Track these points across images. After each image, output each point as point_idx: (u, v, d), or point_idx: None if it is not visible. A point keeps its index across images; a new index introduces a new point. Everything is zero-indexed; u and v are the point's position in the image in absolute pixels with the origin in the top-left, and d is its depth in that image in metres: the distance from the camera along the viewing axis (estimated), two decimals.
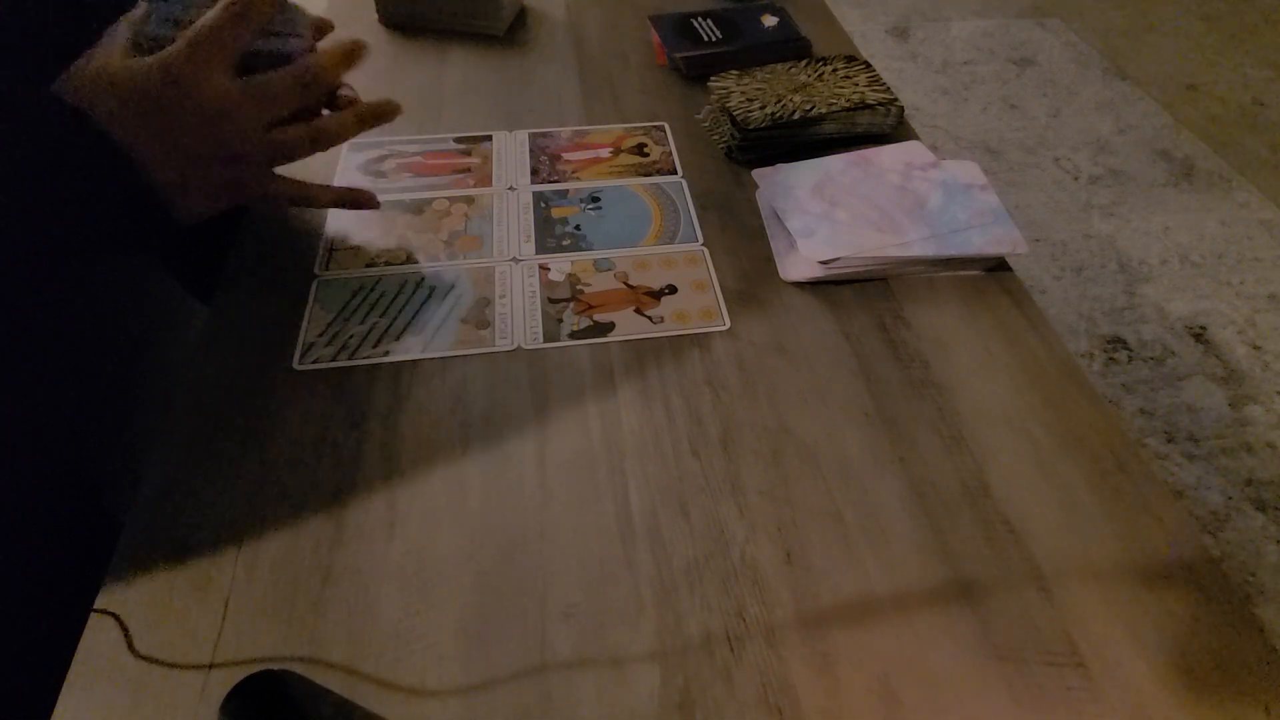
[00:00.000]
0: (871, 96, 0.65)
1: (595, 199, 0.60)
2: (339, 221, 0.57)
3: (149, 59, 0.41)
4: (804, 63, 0.68)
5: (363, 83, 0.52)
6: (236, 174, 0.46)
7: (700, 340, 0.50)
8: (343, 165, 0.62)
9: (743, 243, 0.57)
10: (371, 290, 0.52)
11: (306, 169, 0.50)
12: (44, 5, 0.46)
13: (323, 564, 0.39)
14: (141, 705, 0.34)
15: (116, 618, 0.36)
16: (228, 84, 0.42)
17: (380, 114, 0.50)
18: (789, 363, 0.49)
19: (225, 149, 0.44)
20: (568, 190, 0.60)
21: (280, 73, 0.44)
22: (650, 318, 0.51)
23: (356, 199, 0.53)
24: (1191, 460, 1.35)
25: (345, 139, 0.49)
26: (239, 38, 0.42)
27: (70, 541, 0.49)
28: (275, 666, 0.35)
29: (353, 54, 0.47)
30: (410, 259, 0.54)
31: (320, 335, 0.49)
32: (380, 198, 0.57)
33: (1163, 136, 2.04)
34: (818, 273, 0.53)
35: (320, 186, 0.51)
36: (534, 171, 0.62)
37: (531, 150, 0.64)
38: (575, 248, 0.56)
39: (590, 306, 0.52)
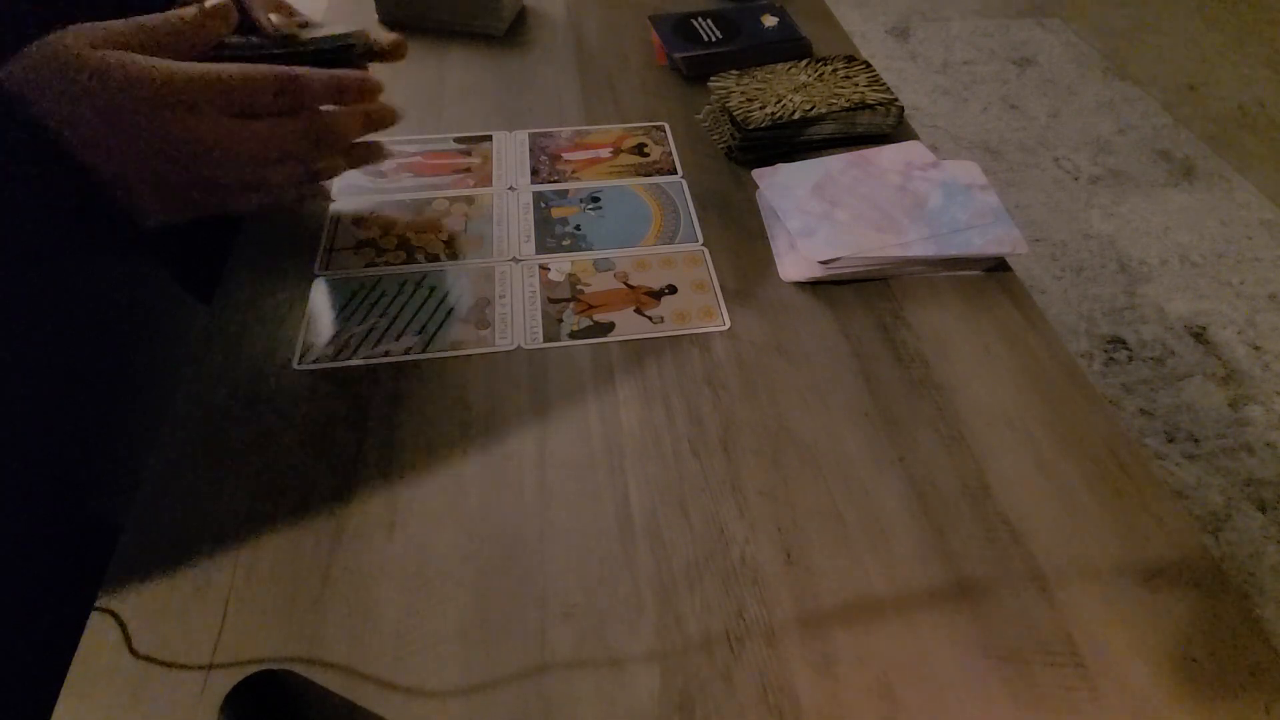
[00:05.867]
0: (871, 96, 0.65)
1: (595, 199, 0.60)
2: (339, 221, 0.57)
3: (118, 53, 0.37)
4: (804, 63, 0.68)
5: None
6: (199, 195, 0.43)
7: (700, 340, 0.50)
8: None
9: (743, 243, 0.57)
10: (371, 290, 0.52)
11: None
12: None
13: (323, 564, 0.39)
14: (141, 705, 0.34)
15: (116, 616, 0.36)
16: (209, 120, 0.39)
17: (381, 120, 0.48)
18: (789, 362, 0.49)
19: (196, 175, 0.41)
20: (568, 190, 0.60)
21: (257, 69, 0.41)
22: (650, 318, 0.51)
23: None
24: (1191, 460, 1.35)
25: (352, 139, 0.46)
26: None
27: (68, 543, 0.48)
28: (275, 666, 0.35)
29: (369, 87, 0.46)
30: (410, 259, 0.54)
31: (320, 335, 0.49)
32: (380, 198, 0.57)
33: (1163, 136, 2.04)
34: (818, 273, 0.53)
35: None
36: (534, 171, 0.62)
37: (531, 150, 0.64)
38: (575, 248, 0.56)
39: (590, 306, 0.52)
